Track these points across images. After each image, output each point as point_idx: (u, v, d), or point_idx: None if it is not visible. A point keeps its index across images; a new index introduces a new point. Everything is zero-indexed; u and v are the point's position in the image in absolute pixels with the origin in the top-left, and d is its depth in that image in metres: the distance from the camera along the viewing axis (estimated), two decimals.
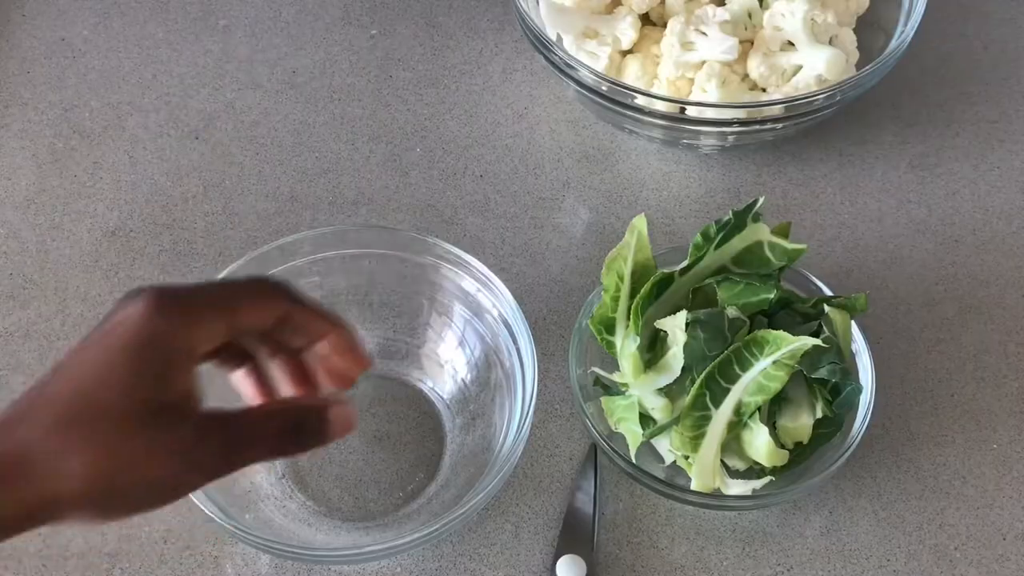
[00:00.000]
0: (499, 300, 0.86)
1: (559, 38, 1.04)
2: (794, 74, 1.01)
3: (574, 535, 0.83)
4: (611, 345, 0.86)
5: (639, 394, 0.84)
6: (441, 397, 0.90)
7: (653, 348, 0.85)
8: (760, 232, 0.86)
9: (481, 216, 1.01)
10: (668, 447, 0.84)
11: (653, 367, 0.84)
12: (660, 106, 0.96)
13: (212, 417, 0.57)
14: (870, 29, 1.06)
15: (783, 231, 0.87)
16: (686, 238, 0.98)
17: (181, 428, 0.55)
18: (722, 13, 1.00)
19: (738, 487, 0.82)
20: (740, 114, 0.96)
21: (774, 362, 0.80)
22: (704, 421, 0.81)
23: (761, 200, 0.86)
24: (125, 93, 1.10)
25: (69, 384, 0.54)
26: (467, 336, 0.90)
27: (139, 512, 0.56)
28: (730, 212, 0.85)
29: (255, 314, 0.59)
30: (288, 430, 0.59)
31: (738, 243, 0.85)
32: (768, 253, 0.86)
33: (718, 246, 0.85)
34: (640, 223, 0.84)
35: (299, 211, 1.01)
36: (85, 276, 0.97)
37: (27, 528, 0.53)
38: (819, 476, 0.81)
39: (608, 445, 0.83)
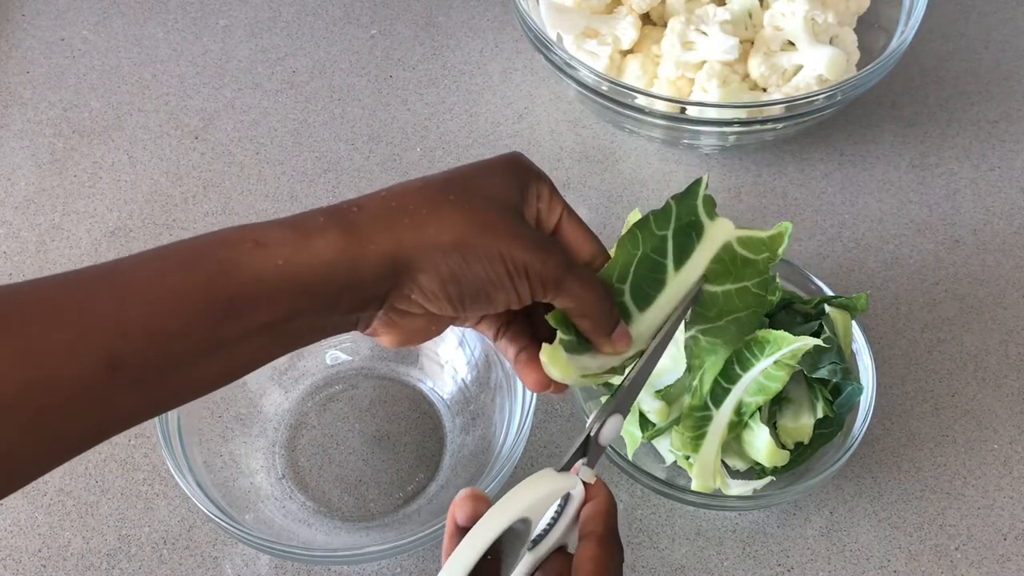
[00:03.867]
0: None
1: (559, 38, 1.04)
2: (794, 74, 1.01)
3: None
4: None
5: (638, 396, 0.84)
6: (441, 397, 0.90)
7: None
8: (723, 230, 0.67)
9: None
10: (668, 447, 0.84)
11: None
12: (660, 106, 0.96)
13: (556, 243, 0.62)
14: (870, 29, 1.06)
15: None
16: None
17: (535, 233, 0.61)
18: (723, 13, 1.00)
19: (739, 487, 0.82)
20: (740, 114, 0.96)
21: (775, 362, 0.80)
22: (705, 421, 0.81)
23: (706, 178, 0.67)
24: (125, 93, 1.10)
25: (453, 174, 0.61)
26: (467, 336, 0.90)
27: (473, 297, 0.59)
28: (669, 200, 0.66)
29: (554, 205, 0.63)
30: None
31: (703, 255, 0.67)
32: (744, 252, 0.68)
33: (678, 264, 0.66)
34: (635, 219, 0.84)
35: (299, 211, 1.01)
36: None
37: (383, 273, 0.57)
38: (820, 476, 0.81)
39: (608, 445, 0.83)
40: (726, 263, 0.67)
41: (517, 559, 0.58)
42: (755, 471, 0.84)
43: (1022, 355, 0.94)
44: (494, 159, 0.63)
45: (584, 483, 0.61)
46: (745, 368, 0.81)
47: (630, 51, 1.04)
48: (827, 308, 0.86)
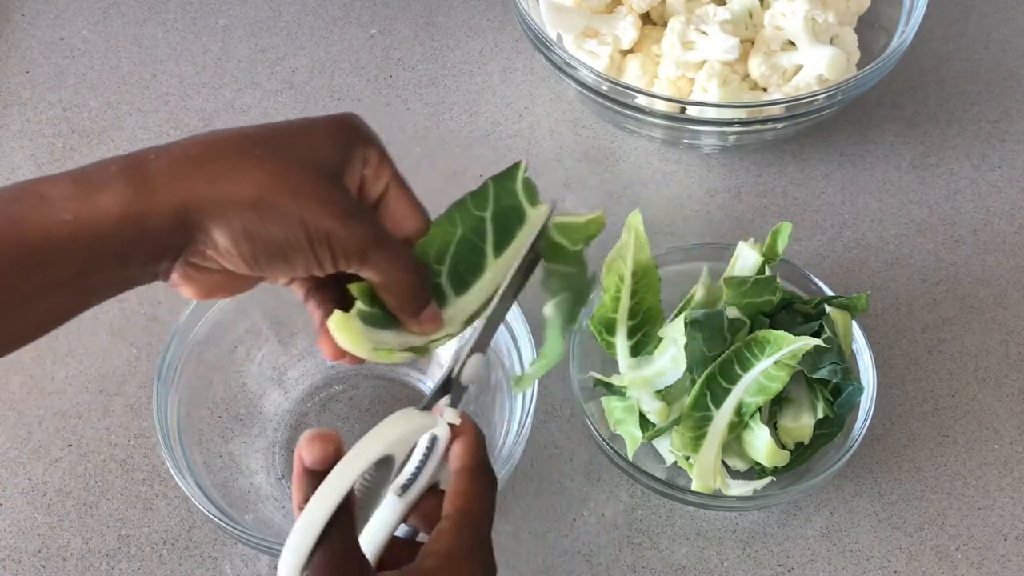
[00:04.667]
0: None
1: (559, 37, 1.04)
2: (795, 74, 1.01)
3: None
4: (611, 345, 0.86)
5: (637, 396, 0.84)
6: None
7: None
8: (544, 216, 0.66)
9: None
10: (669, 447, 0.84)
11: (651, 368, 0.84)
12: (661, 106, 0.96)
13: (370, 212, 0.60)
14: (871, 29, 1.06)
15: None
16: (687, 238, 0.99)
17: (345, 199, 0.58)
18: (723, 12, 1.00)
19: (739, 487, 0.82)
20: (741, 114, 0.96)
21: (775, 362, 0.80)
22: (705, 421, 0.81)
23: (524, 162, 0.66)
24: (125, 93, 1.10)
25: (271, 127, 0.59)
26: (467, 336, 0.89)
27: (268, 258, 0.57)
28: (487, 180, 0.65)
29: (380, 171, 0.62)
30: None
31: (524, 242, 0.65)
32: (560, 239, 0.67)
33: (498, 250, 0.65)
34: (635, 220, 0.84)
35: None
36: None
37: (173, 227, 0.55)
38: (820, 476, 0.81)
39: (608, 446, 0.83)
40: (548, 248, 0.66)
41: (379, 499, 0.57)
42: (755, 471, 0.84)
43: (1022, 355, 0.94)
44: (323, 117, 0.60)
45: (451, 424, 0.59)
46: (745, 368, 0.81)
47: (630, 51, 1.04)
48: (827, 308, 0.86)
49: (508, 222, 0.65)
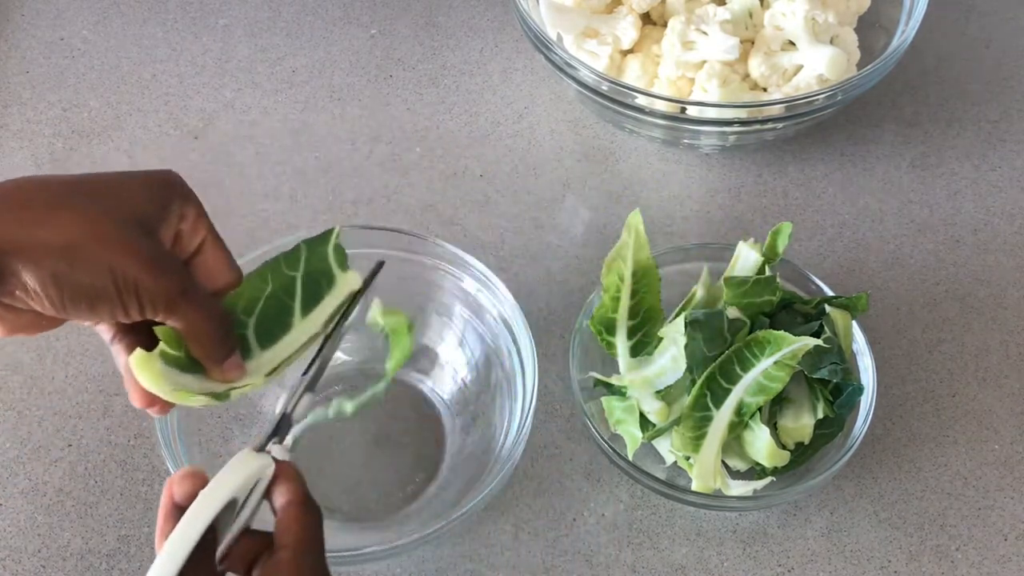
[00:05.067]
0: (499, 300, 0.86)
1: (559, 38, 1.04)
2: (795, 74, 1.01)
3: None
4: (611, 345, 0.86)
5: (637, 397, 0.84)
6: (441, 398, 0.90)
7: None
8: (352, 283, 0.71)
9: (481, 216, 1.01)
10: (669, 448, 0.84)
11: (651, 368, 0.84)
12: (661, 106, 0.96)
13: (179, 264, 0.63)
14: (871, 29, 1.06)
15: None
16: (687, 238, 0.99)
17: (154, 250, 0.60)
18: (723, 12, 1.00)
19: (739, 488, 0.82)
20: (741, 114, 0.96)
21: (775, 362, 0.80)
22: (705, 422, 0.81)
23: (337, 229, 0.71)
24: (124, 93, 1.10)
25: (90, 178, 0.60)
26: (467, 336, 0.89)
27: (74, 303, 0.58)
28: (300, 243, 0.70)
29: (197, 229, 0.64)
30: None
31: (331, 304, 0.70)
32: (378, 319, 0.72)
33: (305, 310, 0.69)
34: (635, 220, 0.84)
35: (299, 211, 1.01)
36: None
37: None
38: (820, 477, 0.81)
39: (608, 446, 0.83)
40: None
41: (228, 534, 0.59)
42: (755, 471, 0.84)
43: (1022, 355, 0.94)
44: (142, 172, 0.63)
45: (276, 461, 0.62)
46: (745, 368, 0.81)
47: (630, 51, 1.04)
48: (827, 308, 0.86)
49: (317, 284, 0.69)
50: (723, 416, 0.81)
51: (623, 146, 1.06)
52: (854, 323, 0.86)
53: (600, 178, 1.04)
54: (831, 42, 1.01)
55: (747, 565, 0.84)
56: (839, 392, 0.83)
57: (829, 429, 0.84)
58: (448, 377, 0.90)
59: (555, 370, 0.91)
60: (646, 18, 1.05)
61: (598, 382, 0.87)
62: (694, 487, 0.82)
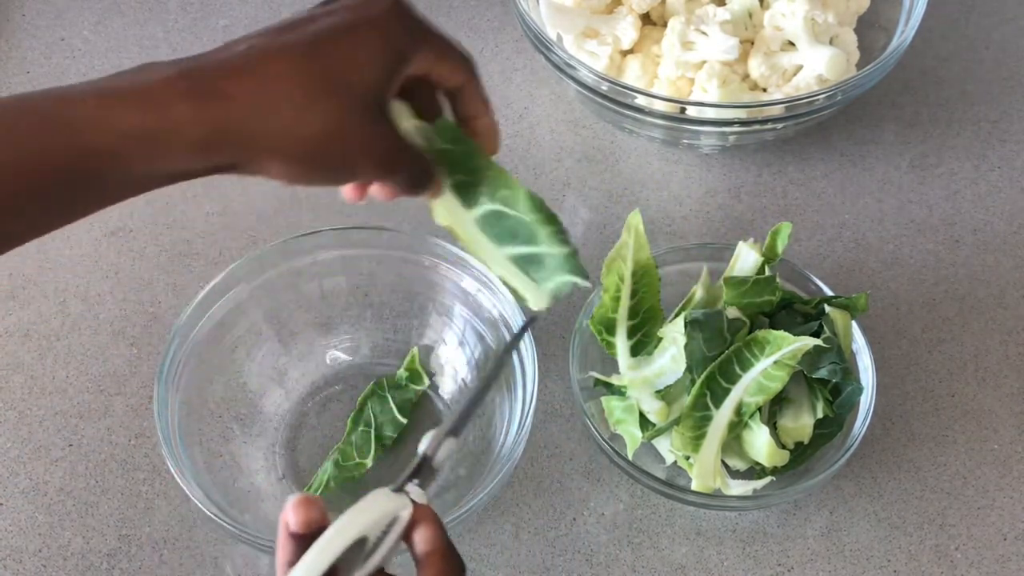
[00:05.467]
0: (499, 300, 0.86)
1: (559, 38, 1.04)
2: (795, 74, 1.01)
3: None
4: (611, 345, 0.86)
5: (637, 396, 0.84)
6: (441, 397, 0.90)
7: None
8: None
9: None
10: (669, 447, 0.84)
11: (651, 368, 0.84)
12: (660, 106, 0.96)
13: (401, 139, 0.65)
14: (871, 29, 1.06)
15: None
16: (687, 238, 0.99)
17: (386, 144, 0.63)
18: (723, 13, 1.00)
19: (739, 487, 0.82)
20: (741, 114, 0.96)
21: (775, 362, 0.80)
22: (705, 421, 0.81)
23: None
24: None
25: (321, 43, 0.60)
26: (467, 336, 0.89)
27: (316, 183, 0.63)
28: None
29: (449, 73, 0.68)
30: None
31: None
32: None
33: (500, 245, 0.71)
34: (635, 219, 0.84)
35: (299, 211, 1.01)
36: (85, 276, 0.97)
37: (235, 154, 0.59)
38: (820, 476, 0.81)
39: (608, 446, 0.83)
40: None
41: (357, 572, 0.58)
42: (755, 471, 0.84)
43: (1022, 355, 0.94)
44: (364, 24, 0.62)
45: (414, 503, 0.61)
46: (745, 368, 0.81)
47: (630, 51, 1.04)
48: (827, 308, 0.86)
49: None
50: (723, 416, 0.81)
51: (623, 146, 1.06)
52: (853, 323, 0.86)
53: (600, 178, 1.04)
54: (831, 42, 1.01)
55: (747, 564, 0.84)
56: (838, 392, 0.83)
57: (828, 429, 0.84)
58: (448, 377, 0.90)
59: (555, 370, 0.91)
60: (646, 18, 1.05)
61: (598, 382, 0.87)
62: (694, 487, 0.82)
